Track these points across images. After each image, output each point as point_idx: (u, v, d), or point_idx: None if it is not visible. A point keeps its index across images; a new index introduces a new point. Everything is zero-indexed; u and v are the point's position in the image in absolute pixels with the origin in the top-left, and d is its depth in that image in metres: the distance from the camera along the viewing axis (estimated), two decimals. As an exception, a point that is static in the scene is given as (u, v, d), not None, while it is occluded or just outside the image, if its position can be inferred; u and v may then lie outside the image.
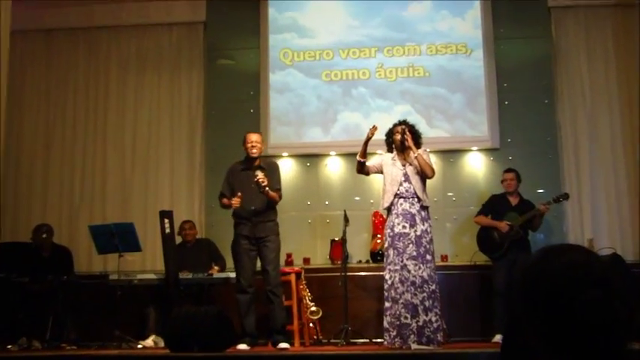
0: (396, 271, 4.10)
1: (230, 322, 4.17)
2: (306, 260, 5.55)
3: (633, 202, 5.55)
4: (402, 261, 4.08)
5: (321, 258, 5.64)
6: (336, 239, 5.33)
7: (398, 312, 4.04)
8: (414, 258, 4.08)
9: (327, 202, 5.81)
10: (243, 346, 4.27)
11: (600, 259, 0.92)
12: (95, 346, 4.77)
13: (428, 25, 5.98)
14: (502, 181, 5.13)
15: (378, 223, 5.42)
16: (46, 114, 6.25)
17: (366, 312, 5.16)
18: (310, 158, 5.92)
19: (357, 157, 4.34)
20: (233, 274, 4.60)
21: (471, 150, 5.83)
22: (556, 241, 5.16)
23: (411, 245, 4.10)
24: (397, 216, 4.18)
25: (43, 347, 4.78)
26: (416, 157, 4.23)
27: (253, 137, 4.55)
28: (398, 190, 4.22)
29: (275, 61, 6.02)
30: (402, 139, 4.26)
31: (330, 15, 6.09)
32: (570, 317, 0.85)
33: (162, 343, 4.65)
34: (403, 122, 4.41)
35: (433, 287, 4.09)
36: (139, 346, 4.75)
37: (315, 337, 4.91)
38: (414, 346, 3.96)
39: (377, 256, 5.34)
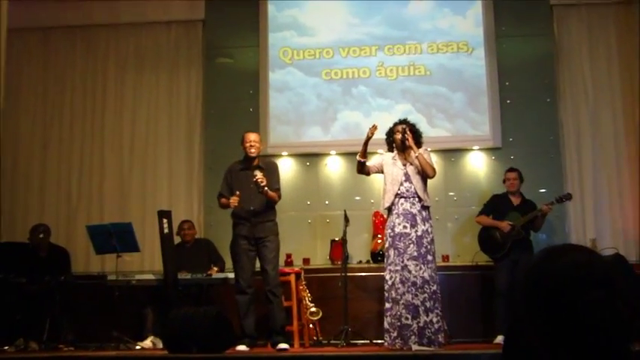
0: (396, 271, 4.08)
1: (229, 323, 4.16)
2: (306, 261, 5.53)
3: (636, 201, 5.51)
4: (402, 261, 4.07)
5: (321, 258, 5.62)
6: (336, 239, 5.31)
7: (398, 313, 4.02)
8: (414, 258, 4.07)
9: (327, 202, 5.79)
10: (242, 347, 4.26)
11: (603, 259, 0.92)
12: (93, 347, 4.74)
13: (429, 23, 5.95)
14: (504, 181, 5.10)
15: (379, 223, 5.40)
16: (43, 113, 6.22)
17: (366, 313, 5.14)
18: (310, 158, 5.90)
19: (358, 157, 4.32)
20: (232, 275, 4.59)
21: (473, 149, 5.81)
22: (558, 241, 5.11)
23: (411, 245, 4.09)
24: (398, 216, 4.16)
25: (40, 348, 4.76)
26: (417, 157, 4.23)
27: (252, 137, 4.53)
28: (399, 189, 4.21)
29: (274, 59, 6.00)
30: (403, 138, 4.25)
31: (330, 13, 6.06)
32: (573, 318, 0.85)
33: (160, 344, 4.65)
34: (404, 121, 4.39)
35: (434, 288, 4.08)
36: (137, 347, 4.73)
37: (314, 338, 4.89)
38: (414, 347, 3.95)
39: (377, 256, 5.33)
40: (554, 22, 5.91)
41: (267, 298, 4.36)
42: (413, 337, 3.97)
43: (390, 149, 4.40)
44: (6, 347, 4.72)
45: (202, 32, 6.19)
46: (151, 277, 4.94)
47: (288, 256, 5.48)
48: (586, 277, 0.86)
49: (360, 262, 5.54)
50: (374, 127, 4.13)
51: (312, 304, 4.84)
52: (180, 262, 4.86)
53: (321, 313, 4.79)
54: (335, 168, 5.89)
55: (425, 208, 4.21)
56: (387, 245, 4.22)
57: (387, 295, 4.13)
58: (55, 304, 4.89)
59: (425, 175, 4.24)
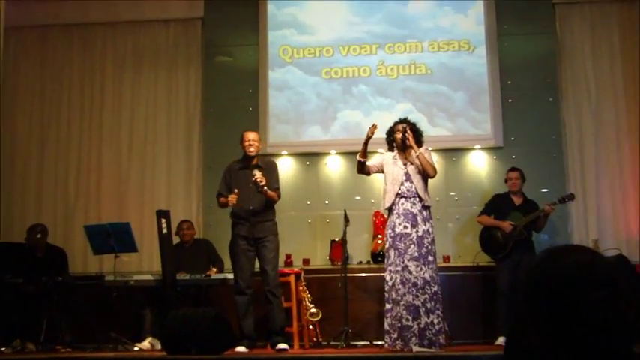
0: (397, 272, 4.07)
1: (228, 324, 4.14)
2: (306, 261, 5.52)
3: (639, 201, 5.46)
4: (403, 262, 4.06)
5: (320, 259, 5.61)
6: (337, 240, 5.29)
7: (399, 314, 4.01)
8: (415, 259, 4.05)
9: (327, 202, 5.77)
10: (241, 349, 4.24)
11: (605, 259, 0.92)
12: (90, 348, 4.73)
13: (430, 22, 5.93)
14: (506, 180, 5.09)
15: (379, 224, 5.39)
16: (41, 112, 6.18)
17: (366, 314, 5.12)
18: (310, 157, 5.88)
19: (358, 157, 4.30)
20: (231, 275, 4.58)
21: (474, 149, 5.79)
22: (560, 242, 5.19)
23: (412, 246, 4.07)
24: (398, 216, 4.15)
25: (37, 349, 4.73)
26: (417, 157, 4.21)
27: (251, 136, 4.51)
28: (399, 189, 4.20)
29: (274, 58, 5.97)
30: (403, 137, 4.23)
31: (330, 11, 6.04)
32: (575, 318, 0.85)
33: (158, 346, 4.62)
34: (404, 120, 4.38)
35: (435, 288, 4.07)
36: (135, 348, 4.70)
37: (314, 339, 4.87)
38: (415, 348, 3.93)
39: (378, 256, 5.31)
40: (557, 20, 5.89)
41: (266, 298, 4.35)
42: (413, 338, 3.96)
43: (391, 149, 4.38)
44: (3, 348, 4.69)
45: (201, 30, 6.16)
46: (149, 277, 4.93)
47: (288, 256, 5.46)
48: (588, 278, 0.86)
49: (361, 262, 5.52)
50: (374, 127, 4.11)
51: (311, 305, 4.81)
52: (178, 263, 4.85)
53: (320, 314, 4.77)
54: (335, 167, 5.87)
55: (426, 208, 4.19)
56: (387, 245, 4.20)
57: (387, 295, 4.12)
58: (52, 305, 4.86)
59: (426, 174, 4.23)
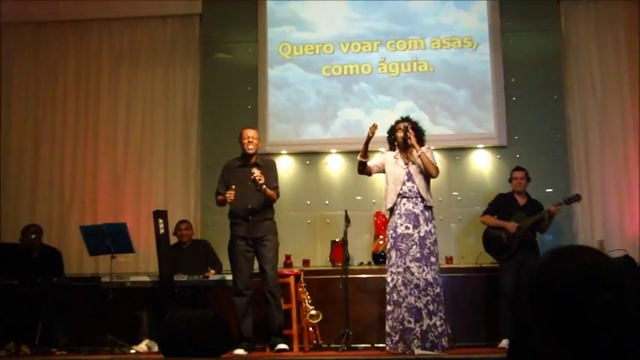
0: (398, 273, 4.04)
1: (227, 327, 4.11)
2: (306, 262, 5.49)
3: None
4: (405, 263, 4.04)
5: (321, 260, 5.57)
6: (337, 240, 5.26)
7: (401, 316, 3.99)
8: (417, 260, 4.03)
9: (327, 202, 5.73)
10: (240, 351, 4.22)
11: (611, 261, 0.91)
12: (86, 351, 4.71)
13: (432, 18, 5.88)
14: (510, 180, 5.06)
15: (380, 224, 5.36)
16: (35, 110, 6.14)
17: (367, 316, 5.09)
18: (310, 156, 5.84)
19: (359, 158, 4.28)
20: (229, 277, 4.56)
21: (477, 148, 5.75)
22: (565, 242, 5.20)
23: (414, 247, 4.05)
24: (400, 216, 4.12)
25: (32, 352, 4.70)
26: (419, 156, 4.18)
27: (250, 133, 4.49)
28: (401, 189, 4.18)
29: (273, 55, 5.92)
30: (405, 136, 4.20)
31: (330, 7, 5.99)
32: (580, 320, 0.84)
33: (155, 348, 4.63)
34: (406, 119, 4.35)
35: (437, 290, 4.04)
36: (132, 351, 4.69)
37: (314, 341, 4.85)
38: (417, 351, 3.91)
39: (379, 257, 5.29)
40: (561, 16, 5.85)
41: (265, 298, 4.34)
42: (415, 340, 3.93)
43: (392, 148, 4.35)
44: (-4, 351, 4.66)
45: (199, 27, 6.11)
46: (146, 278, 4.91)
47: (288, 257, 5.43)
48: (594, 279, 0.86)
49: (362, 263, 5.49)
50: (374, 127, 4.07)
51: (311, 307, 4.80)
52: (176, 264, 4.83)
53: (321, 316, 4.75)
54: (335, 167, 5.83)
55: (428, 208, 4.17)
56: (388, 246, 4.17)
57: (388, 297, 4.09)
58: (47, 307, 4.83)
59: (428, 174, 4.20)
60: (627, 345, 0.84)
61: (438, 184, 4.86)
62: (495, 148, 5.67)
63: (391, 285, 4.05)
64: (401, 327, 3.96)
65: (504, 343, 4.48)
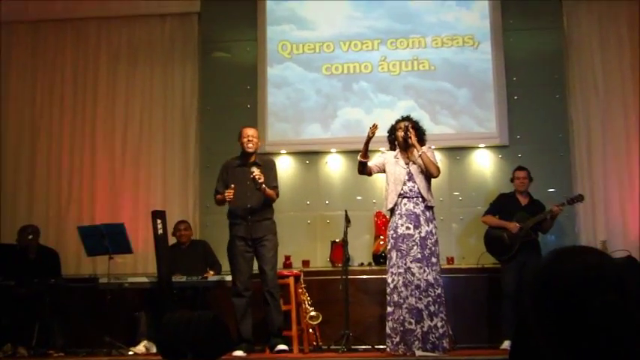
0: (399, 274, 4.03)
1: (226, 328, 4.10)
2: (306, 263, 5.46)
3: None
4: (405, 264, 4.02)
5: (321, 260, 5.55)
6: (337, 241, 5.24)
7: (402, 317, 3.98)
8: (418, 260, 4.01)
9: (327, 202, 5.70)
10: (239, 353, 4.19)
11: (614, 261, 0.91)
12: (84, 352, 4.71)
13: (433, 16, 5.84)
14: (512, 180, 5.03)
15: (381, 224, 5.34)
16: (32, 109, 6.11)
17: (368, 317, 5.07)
18: (310, 156, 5.82)
19: (359, 158, 4.26)
20: (229, 277, 4.56)
21: (479, 147, 5.73)
22: (567, 243, 5.23)
23: (415, 247, 4.04)
24: (401, 216, 4.11)
25: (29, 354, 4.70)
26: (420, 155, 4.16)
27: (249, 132, 4.48)
28: (401, 189, 4.16)
29: (273, 54, 5.89)
30: (405, 136, 4.18)
31: (330, 6, 5.97)
32: (583, 321, 0.84)
33: (154, 349, 4.62)
34: (406, 118, 4.33)
35: (438, 291, 4.03)
36: (130, 352, 4.67)
37: (314, 343, 4.84)
38: (418, 352, 3.90)
39: (379, 258, 5.27)
40: (564, 15, 5.82)
41: (264, 299, 4.32)
42: (416, 342, 3.92)
43: (392, 147, 4.33)
44: (-7, 353, 4.64)
45: (198, 25, 6.09)
46: (144, 279, 4.89)
47: (287, 258, 5.40)
48: (597, 280, 0.85)
49: (362, 264, 5.47)
50: (374, 127, 4.05)
51: (311, 308, 4.78)
52: (175, 264, 4.82)
53: (321, 318, 4.73)
54: (335, 166, 5.81)
55: (429, 208, 4.15)
56: (389, 247, 4.15)
57: (389, 298, 4.08)
58: (44, 308, 4.82)
59: (429, 174, 4.18)
60: (630, 346, 0.83)
61: (438, 184, 4.84)
62: (497, 148, 5.65)
63: (392, 286, 4.04)
64: (402, 328, 3.94)
65: (506, 344, 4.47)
